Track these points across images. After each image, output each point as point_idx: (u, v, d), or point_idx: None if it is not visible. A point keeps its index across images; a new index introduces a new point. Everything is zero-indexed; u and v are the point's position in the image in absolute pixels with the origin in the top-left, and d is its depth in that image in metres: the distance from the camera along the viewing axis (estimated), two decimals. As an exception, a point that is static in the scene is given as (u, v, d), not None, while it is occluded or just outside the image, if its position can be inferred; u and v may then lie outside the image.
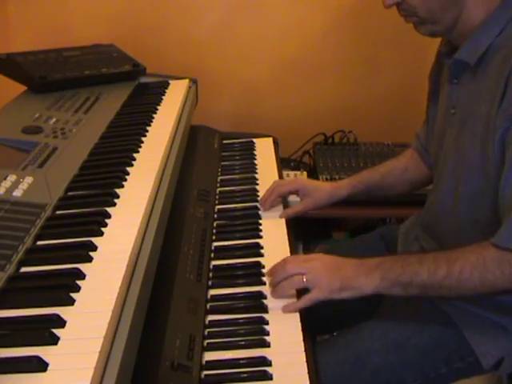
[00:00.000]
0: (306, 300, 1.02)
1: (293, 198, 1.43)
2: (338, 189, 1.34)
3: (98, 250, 0.89)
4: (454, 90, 1.10)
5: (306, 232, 1.88)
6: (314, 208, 1.37)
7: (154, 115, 1.46)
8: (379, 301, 1.22)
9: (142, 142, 1.29)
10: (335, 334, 1.38)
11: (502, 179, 0.96)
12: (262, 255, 1.17)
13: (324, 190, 1.35)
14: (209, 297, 1.06)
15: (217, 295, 1.06)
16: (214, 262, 1.16)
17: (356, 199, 1.39)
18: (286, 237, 1.25)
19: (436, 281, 0.96)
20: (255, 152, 1.67)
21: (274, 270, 1.07)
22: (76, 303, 0.78)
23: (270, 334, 0.96)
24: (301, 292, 1.04)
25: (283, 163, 1.79)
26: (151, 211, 1.05)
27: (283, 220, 1.31)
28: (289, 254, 1.18)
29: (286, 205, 1.40)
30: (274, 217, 1.32)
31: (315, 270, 1.02)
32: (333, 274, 1.01)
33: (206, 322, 0.99)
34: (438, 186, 1.17)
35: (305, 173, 1.92)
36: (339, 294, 1.01)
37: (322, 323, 1.26)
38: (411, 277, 0.97)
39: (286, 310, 1.02)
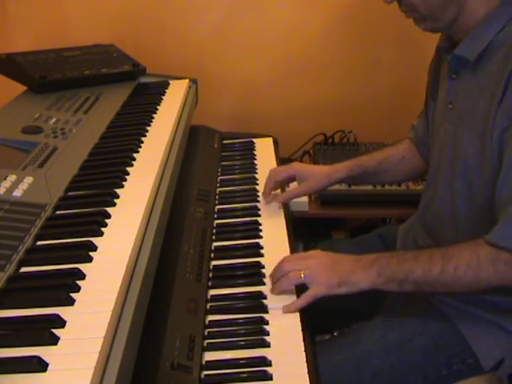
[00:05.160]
0: (306, 297, 1.01)
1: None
2: (336, 171, 1.34)
3: (98, 249, 0.89)
4: (452, 85, 1.10)
5: (306, 232, 1.87)
6: (312, 191, 1.40)
7: (154, 115, 1.46)
8: (379, 301, 1.22)
9: (142, 142, 1.29)
10: (335, 334, 1.38)
11: (500, 178, 0.96)
12: (261, 255, 1.17)
13: (321, 173, 1.35)
14: (209, 297, 1.06)
15: (217, 295, 1.06)
16: (213, 262, 1.16)
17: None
18: (286, 237, 1.24)
19: (431, 278, 0.96)
20: (255, 152, 1.67)
21: (273, 271, 1.07)
22: (76, 303, 0.78)
23: (270, 334, 0.96)
24: (299, 292, 1.04)
25: (283, 163, 1.78)
26: (151, 211, 1.05)
27: (283, 220, 1.31)
28: (289, 254, 1.17)
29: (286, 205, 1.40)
30: (274, 217, 1.32)
31: (312, 267, 1.02)
32: (330, 270, 1.02)
33: (206, 322, 0.99)
34: (435, 181, 1.17)
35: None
36: (338, 289, 1.01)
37: (321, 323, 1.26)
38: (406, 273, 0.97)
39: (287, 310, 1.01)
